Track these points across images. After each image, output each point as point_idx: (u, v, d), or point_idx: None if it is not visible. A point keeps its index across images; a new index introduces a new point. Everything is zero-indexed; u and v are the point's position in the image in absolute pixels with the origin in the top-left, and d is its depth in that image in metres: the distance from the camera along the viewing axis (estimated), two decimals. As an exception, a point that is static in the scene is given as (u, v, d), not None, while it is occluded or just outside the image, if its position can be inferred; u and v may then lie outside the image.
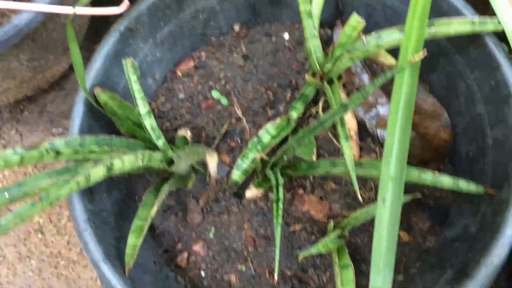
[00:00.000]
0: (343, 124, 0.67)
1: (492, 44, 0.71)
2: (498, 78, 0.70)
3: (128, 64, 0.71)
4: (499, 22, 0.69)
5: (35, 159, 0.64)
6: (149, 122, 0.75)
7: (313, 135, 0.66)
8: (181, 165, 0.69)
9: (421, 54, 0.53)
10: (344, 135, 0.66)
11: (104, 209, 0.76)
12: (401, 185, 0.51)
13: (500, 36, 0.72)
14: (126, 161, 0.68)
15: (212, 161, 0.62)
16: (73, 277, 1.08)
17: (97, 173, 0.64)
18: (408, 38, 0.54)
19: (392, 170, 0.52)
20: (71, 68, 1.22)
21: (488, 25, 0.69)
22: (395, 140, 0.53)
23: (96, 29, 1.24)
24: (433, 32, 0.68)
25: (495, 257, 0.60)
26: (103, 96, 0.77)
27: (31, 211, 0.57)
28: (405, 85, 0.54)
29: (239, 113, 0.86)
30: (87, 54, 1.25)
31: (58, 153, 0.66)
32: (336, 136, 0.86)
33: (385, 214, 0.50)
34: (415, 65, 0.54)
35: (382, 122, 0.85)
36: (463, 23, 0.69)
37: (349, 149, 0.65)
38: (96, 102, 0.77)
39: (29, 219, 1.12)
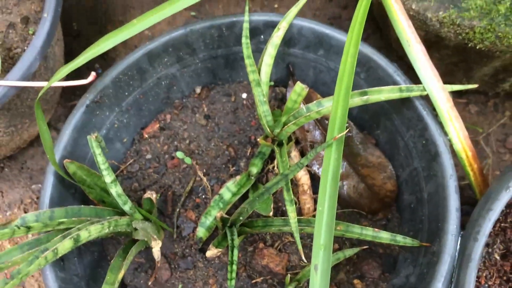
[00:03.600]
0: (288, 188, 0.74)
1: (420, 107, 0.78)
2: (427, 137, 0.77)
3: (92, 140, 0.77)
4: (424, 89, 0.76)
5: (8, 235, 0.70)
6: (115, 190, 0.81)
7: (262, 200, 0.73)
8: (140, 234, 0.75)
9: (343, 133, 0.60)
10: (289, 199, 0.73)
11: (76, 274, 0.81)
12: (330, 252, 0.58)
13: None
14: (93, 230, 0.74)
15: (156, 246, 0.68)
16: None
17: (64, 246, 0.70)
18: (333, 121, 0.61)
19: (322, 239, 0.58)
20: (48, 125, 1.29)
21: (414, 91, 0.77)
22: (325, 210, 0.59)
23: (72, 87, 1.31)
24: (366, 99, 0.75)
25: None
26: (71, 167, 0.83)
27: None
28: (332, 159, 0.60)
29: (200, 174, 0.92)
30: (65, 111, 1.32)
31: (29, 228, 0.72)
32: (293, 189, 0.92)
33: (317, 282, 0.56)
34: (339, 141, 0.60)
35: (334, 175, 0.92)
36: (392, 90, 0.77)
37: (294, 212, 0.72)
38: (66, 173, 0.83)
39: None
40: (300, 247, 0.70)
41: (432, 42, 0.93)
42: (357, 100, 0.75)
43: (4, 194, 1.26)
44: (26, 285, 1.15)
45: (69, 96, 1.32)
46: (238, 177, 0.91)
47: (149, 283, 0.86)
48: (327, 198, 0.59)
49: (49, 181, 0.81)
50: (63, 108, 1.32)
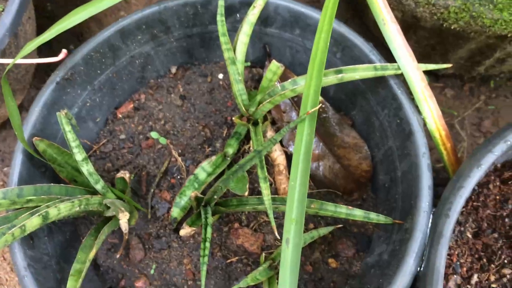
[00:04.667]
0: (262, 166, 0.73)
1: (395, 86, 0.78)
2: (401, 116, 0.77)
3: (61, 116, 0.75)
4: (398, 68, 0.76)
5: (-28, 212, 0.68)
6: (86, 168, 0.79)
7: (236, 177, 0.72)
8: (111, 209, 0.74)
9: (316, 108, 0.59)
10: (263, 177, 0.72)
11: (46, 254, 0.79)
12: (302, 227, 0.57)
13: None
14: (62, 208, 0.72)
15: (123, 218, 0.67)
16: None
17: (32, 223, 0.68)
18: (306, 97, 0.61)
19: (294, 213, 0.58)
20: (20, 107, 1.26)
21: (388, 70, 0.77)
22: (297, 184, 0.59)
23: (46, 66, 1.28)
24: (340, 77, 0.75)
25: (399, 285, 0.67)
26: (41, 145, 0.81)
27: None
28: (304, 134, 0.60)
29: (175, 154, 0.91)
30: (38, 93, 1.29)
31: (-5, 205, 0.70)
32: (268, 170, 0.92)
33: (288, 255, 0.56)
34: (312, 116, 0.60)
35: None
36: (366, 69, 0.76)
37: (268, 189, 0.71)
38: (35, 151, 0.81)
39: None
40: (273, 224, 0.69)
41: (409, 24, 0.93)
42: (332, 78, 0.75)
43: (-25, 177, 1.23)
44: (-3, 269, 1.13)
45: (42, 77, 1.28)
46: (213, 157, 0.90)
47: (117, 256, 0.85)
48: (300, 173, 0.59)
49: (18, 159, 0.79)
50: (36, 90, 1.29)
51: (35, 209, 0.71)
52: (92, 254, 0.76)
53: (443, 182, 0.92)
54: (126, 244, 0.89)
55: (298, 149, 0.60)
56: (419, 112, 0.77)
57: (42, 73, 1.28)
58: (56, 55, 0.90)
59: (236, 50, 0.84)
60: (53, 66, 1.20)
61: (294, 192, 0.59)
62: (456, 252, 0.77)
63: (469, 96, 1.20)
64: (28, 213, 0.70)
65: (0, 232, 0.65)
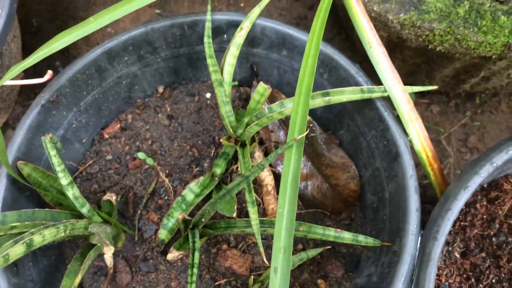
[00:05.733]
0: (250, 190, 0.73)
1: (382, 108, 0.79)
2: (388, 137, 0.78)
3: (46, 141, 0.74)
4: (385, 90, 0.77)
5: (-46, 241, 0.67)
6: (71, 193, 0.78)
7: (224, 201, 0.71)
8: (96, 239, 0.73)
9: (303, 135, 0.59)
10: (251, 201, 0.72)
11: (30, 280, 0.78)
12: (290, 255, 0.57)
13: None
14: (47, 234, 0.71)
15: (108, 252, 0.66)
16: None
17: (16, 252, 0.67)
18: (294, 122, 0.60)
19: (282, 241, 0.58)
20: (5, 125, 1.24)
21: (375, 92, 0.77)
22: (285, 212, 0.59)
23: (32, 86, 1.26)
24: (328, 100, 0.75)
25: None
26: (26, 169, 0.80)
27: None
28: (292, 160, 0.60)
29: (162, 175, 0.90)
30: (24, 110, 1.27)
31: (-23, 233, 0.69)
32: (256, 189, 0.92)
33: (277, 283, 0.56)
34: (299, 142, 0.60)
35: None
36: (353, 91, 0.77)
37: (256, 213, 0.71)
38: (20, 174, 0.80)
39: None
40: (261, 249, 0.69)
41: (395, 44, 0.94)
42: (319, 101, 0.75)
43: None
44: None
45: (28, 95, 1.27)
46: (201, 178, 0.89)
47: (104, 287, 0.84)
48: (287, 200, 0.59)
49: (2, 183, 0.77)
50: (22, 107, 1.27)
51: (19, 236, 0.70)
52: (77, 280, 0.75)
53: (430, 200, 0.93)
54: (113, 267, 0.88)
55: (286, 174, 0.60)
56: (405, 133, 0.77)
57: (27, 90, 1.26)
58: (42, 72, 0.89)
59: (223, 71, 0.84)
60: (39, 84, 1.19)
61: (282, 219, 0.58)
62: (445, 272, 0.78)
63: (455, 112, 1.21)
64: (12, 240, 0.68)
65: (-17, 262, 0.64)
